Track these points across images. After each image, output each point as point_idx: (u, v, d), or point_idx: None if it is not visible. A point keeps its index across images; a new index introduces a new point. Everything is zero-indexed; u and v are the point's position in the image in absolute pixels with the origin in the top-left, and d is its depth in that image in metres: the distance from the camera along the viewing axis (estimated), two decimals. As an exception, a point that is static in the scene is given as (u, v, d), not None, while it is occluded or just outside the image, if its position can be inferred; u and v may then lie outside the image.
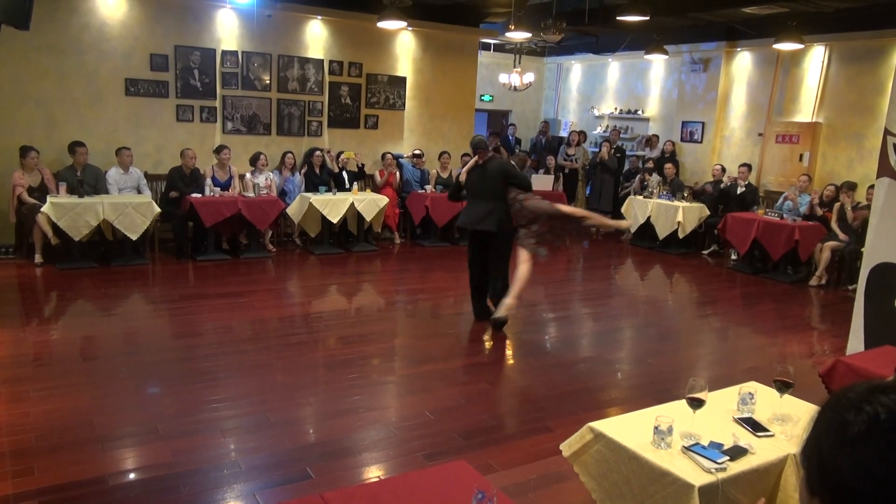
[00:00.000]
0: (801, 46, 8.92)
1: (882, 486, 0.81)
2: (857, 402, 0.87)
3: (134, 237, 7.42)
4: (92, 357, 5.01)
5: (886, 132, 4.68)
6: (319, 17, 9.50)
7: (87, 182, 7.54)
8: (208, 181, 8.13)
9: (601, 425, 2.60)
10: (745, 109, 10.82)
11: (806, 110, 9.92)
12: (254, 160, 8.58)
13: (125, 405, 4.17)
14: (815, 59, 9.75)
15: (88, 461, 3.44)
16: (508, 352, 5.68)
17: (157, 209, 7.52)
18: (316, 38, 9.58)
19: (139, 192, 8.02)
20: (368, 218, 8.88)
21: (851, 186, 8.42)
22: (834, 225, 8.35)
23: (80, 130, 8.04)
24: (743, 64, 10.84)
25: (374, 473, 3.53)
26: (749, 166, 9.74)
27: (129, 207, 7.33)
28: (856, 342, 4.93)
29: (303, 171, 9.11)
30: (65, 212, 7.05)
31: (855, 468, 0.83)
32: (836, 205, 8.46)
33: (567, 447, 2.68)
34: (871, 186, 6.70)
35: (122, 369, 4.72)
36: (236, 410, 4.14)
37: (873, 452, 0.82)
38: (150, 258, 7.87)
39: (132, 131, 8.44)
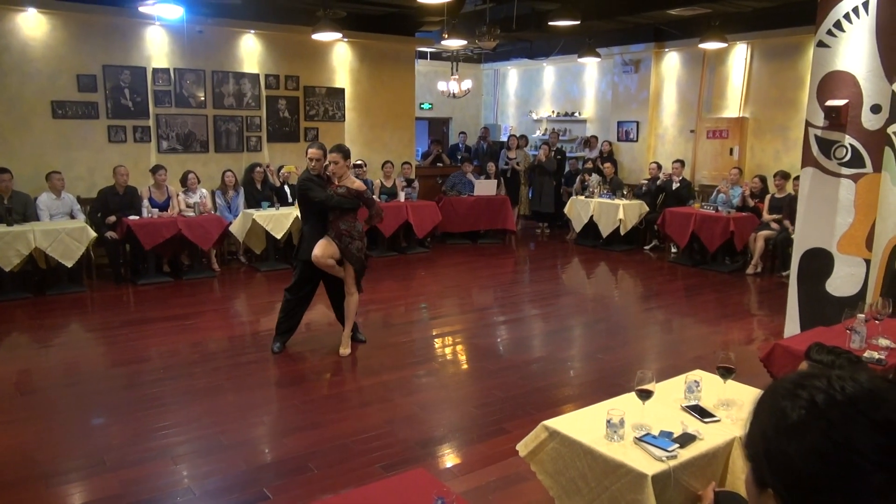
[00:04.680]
0: (724, 45, 9.30)
1: (830, 464, 0.84)
2: (792, 390, 0.90)
3: (69, 264, 7.15)
4: (29, 391, 4.80)
5: (808, 124, 4.91)
6: (252, 32, 9.37)
7: (16, 210, 7.23)
8: (146, 202, 7.92)
9: (555, 423, 2.64)
10: (676, 108, 11.18)
11: (733, 106, 10.32)
12: (183, 180, 8.39)
13: (68, 438, 4.02)
14: (739, 56, 10.15)
15: (32, 500, 3.30)
16: (462, 357, 5.70)
17: (93, 234, 7.27)
18: (250, 52, 9.45)
19: (73, 217, 7.74)
20: (313, 231, 8.76)
21: (784, 176, 8.71)
22: (766, 215, 8.69)
23: (4, 156, 7.70)
24: (672, 64, 11.21)
25: (332, 489, 3.49)
26: (682, 162, 10.07)
27: (63, 234, 7.06)
28: (792, 325, 5.13)
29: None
30: (-7, 242, 6.75)
31: (802, 452, 0.85)
32: (767, 196, 8.80)
33: (523, 447, 2.72)
34: (797, 177, 7.00)
35: (63, 401, 4.54)
36: (187, 435, 4.04)
37: (817, 433, 0.85)
38: (88, 285, 7.59)
39: (62, 155, 8.14)
